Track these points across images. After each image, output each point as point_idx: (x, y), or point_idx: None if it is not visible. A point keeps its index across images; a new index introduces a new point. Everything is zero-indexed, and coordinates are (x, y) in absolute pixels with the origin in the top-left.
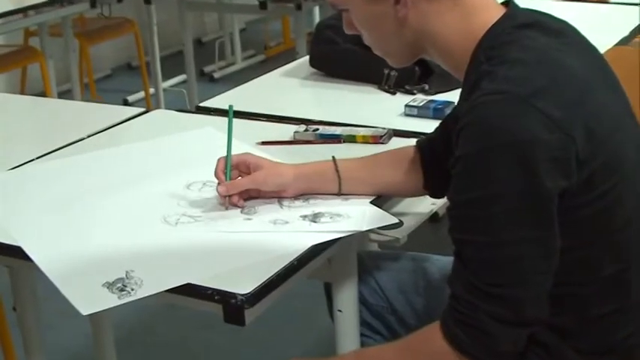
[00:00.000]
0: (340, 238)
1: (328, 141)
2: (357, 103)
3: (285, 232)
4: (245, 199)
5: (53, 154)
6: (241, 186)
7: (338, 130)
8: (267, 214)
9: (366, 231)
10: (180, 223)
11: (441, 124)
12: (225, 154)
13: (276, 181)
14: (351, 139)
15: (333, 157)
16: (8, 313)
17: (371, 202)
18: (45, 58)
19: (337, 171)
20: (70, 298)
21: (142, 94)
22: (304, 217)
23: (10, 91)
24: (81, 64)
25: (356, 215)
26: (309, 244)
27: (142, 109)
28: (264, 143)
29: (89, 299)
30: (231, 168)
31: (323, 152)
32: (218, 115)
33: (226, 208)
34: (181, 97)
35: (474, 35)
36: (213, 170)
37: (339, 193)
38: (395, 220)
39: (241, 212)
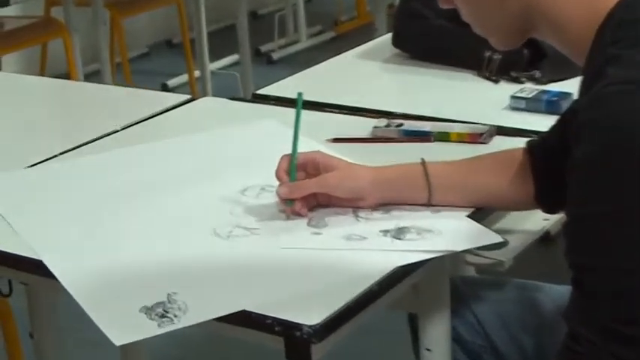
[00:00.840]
0: (430, 259)
1: (415, 139)
2: (451, 92)
3: (362, 250)
4: (312, 209)
5: (79, 149)
6: (307, 188)
7: (427, 126)
8: (339, 227)
9: (462, 252)
10: (234, 237)
11: (558, 121)
12: (289, 152)
13: (351, 186)
14: (444, 137)
15: (422, 159)
16: (23, 341)
17: (468, 216)
18: (69, 32)
19: (427, 176)
20: (101, 325)
21: (184, 78)
22: (385, 232)
23: (27, 71)
24: (112, 40)
25: (449, 231)
26: (391, 266)
27: (186, 97)
28: (335, 140)
29: (124, 327)
30: (297, 167)
31: (408, 153)
32: (279, 104)
33: (288, 217)
34: (233, 82)
35: (600, 7)
36: (274, 171)
37: (429, 204)
38: (498, 239)
39: (308, 225)
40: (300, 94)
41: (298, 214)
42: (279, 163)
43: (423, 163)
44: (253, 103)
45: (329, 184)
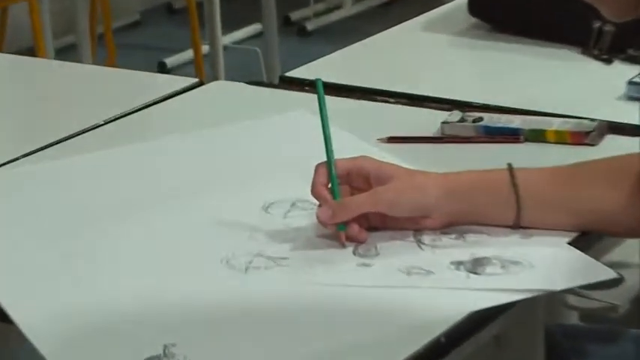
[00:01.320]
0: (518, 301)
1: (499, 138)
2: (548, 76)
3: (427, 288)
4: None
5: (49, 150)
6: (357, 208)
7: (515, 121)
8: (396, 256)
9: (562, 292)
10: (254, 269)
11: None
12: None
13: (413, 201)
14: (538, 135)
15: (509, 164)
16: None
17: (569, 243)
18: None
19: (515, 187)
20: None
21: (189, 55)
22: (458, 264)
23: None
24: (93, 4)
25: (544, 264)
26: (465, 311)
27: (191, 80)
28: (390, 140)
29: None
30: (339, 179)
31: (490, 157)
32: (313, 89)
33: (344, 245)
34: (254, 61)
35: None
36: (310, 184)
37: (517, 226)
38: (611, 275)
39: (354, 253)
40: (318, 81)
41: (356, 241)
42: (316, 174)
43: (511, 169)
44: (280, 89)
45: (384, 199)
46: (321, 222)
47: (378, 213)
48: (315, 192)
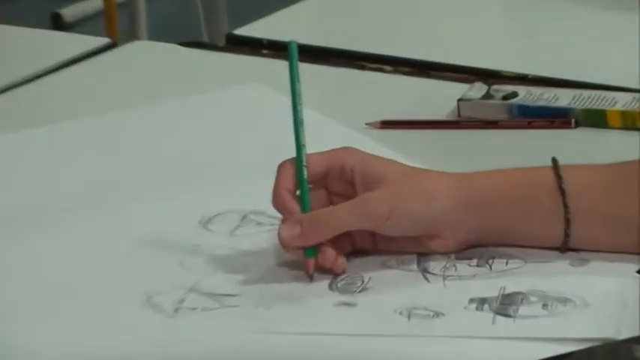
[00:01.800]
0: (566, 355)
1: (539, 122)
2: (608, 34)
3: (435, 337)
4: (346, 254)
5: None
6: (335, 224)
7: (563, 98)
8: (390, 292)
9: (629, 342)
10: (186, 310)
11: None
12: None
13: (416, 214)
14: (596, 118)
15: (555, 160)
16: None
17: (638, 271)
18: None
19: (563, 193)
20: None
21: (95, 4)
22: (480, 302)
23: None
24: None
25: (604, 302)
26: None
27: (100, 41)
28: (385, 125)
29: None
30: (311, 182)
31: (527, 149)
32: (277, 55)
33: (311, 278)
34: (189, 16)
35: None
36: (270, 189)
37: (564, 247)
38: None
39: (332, 288)
40: (292, 44)
41: (330, 272)
42: (279, 175)
43: (556, 168)
44: (227, 53)
45: (373, 212)
46: (283, 244)
47: (366, 231)
48: (277, 201)
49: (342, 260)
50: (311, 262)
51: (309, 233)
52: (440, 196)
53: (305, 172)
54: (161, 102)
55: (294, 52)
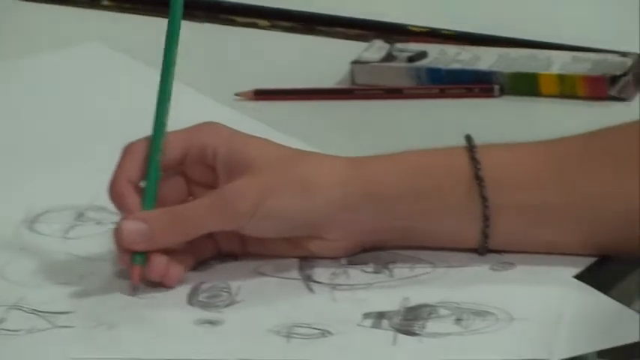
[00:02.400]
0: None
1: (454, 90)
2: None
3: None
4: (203, 264)
5: None
6: (188, 225)
7: (486, 59)
8: (264, 305)
9: None
10: (7, 334)
11: None
12: (146, 130)
13: (293, 211)
14: (525, 84)
15: (469, 138)
16: None
17: (577, 277)
18: None
19: (480, 181)
20: None
21: None
22: (377, 317)
23: None
24: None
25: (533, 316)
26: None
27: None
28: (259, 95)
29: None
30: (166, 168)
31: (438, 124)
32: (119, 5)
33: (132, 291)
34: None
35: None
36: (109, 180)
37: (483, 248)
38: None
39: (191, 302)
40: None
41: (163, 284)
42: (121, 160)
43: (471, 149)
44: (61, 5)
45: (236, 210)
46: (124, 241)
47: (232, 233)
48: (113, 193)
49: (175, 272)
50: (138, 270)
51: (160, 234)
52: (324, 186)
53: (158, 159)
54: None
55: (178, 6)
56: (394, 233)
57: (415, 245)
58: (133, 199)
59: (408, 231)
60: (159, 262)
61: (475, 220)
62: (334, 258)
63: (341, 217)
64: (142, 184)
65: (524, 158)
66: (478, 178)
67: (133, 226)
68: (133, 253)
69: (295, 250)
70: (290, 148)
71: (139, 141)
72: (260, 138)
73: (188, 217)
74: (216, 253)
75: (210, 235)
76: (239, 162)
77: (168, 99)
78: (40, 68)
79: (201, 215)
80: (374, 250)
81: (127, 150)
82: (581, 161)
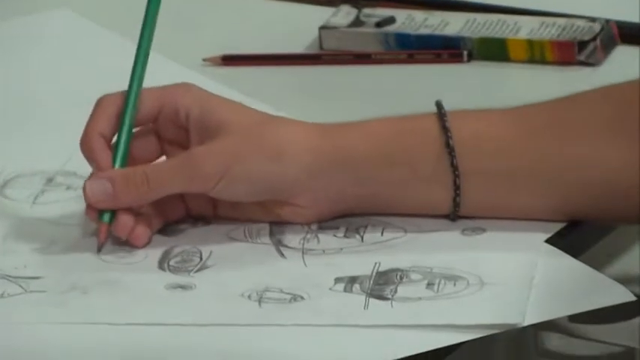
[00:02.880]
0: (455, 347)
1: (422, 55)
2: None
3: (292, 325)
4: (170, 226)
5: None
6: (156, 185)
7: (453, 24)
8: (237, 270)
9: (534, 328)
10: None
11: None
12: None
13: (261, 176)
14: (493, 49)
15: (439, 105)
16: None
17: (549, 241)
18: None
19: (449, 148)
20: None
21: None
22: (349, 281)
23: None
24: None
25: (503, 280)
26: None
27: None
28: (226, 61)
29: None
30: (138, 124)
31: (405, 90)
32: None
33: (99, 250)
34: None
35: None
36: (79, 137)
37: (454, 213)
38: (626, 297)
39: (162, 267)
40: None
41: (131, 243)
42: (94, 113)
43: (442, 116)
44: None
45: (204, 173)
46: (89, 200)
47: (202, 196)
48: (84, 146)
49: (142, 231)
50: (105, 227)
51: (122, 194)
52: (294, 152)
53: (132, 114)
54: None
55: None
56: (364, 200)
57: (385, 211)
58: (103, 155)
59: (378, 198)
60: (125, 220)
61: (446, 188)
62: (303, 223)
63: (310, 184)
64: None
65: (496, 125)
66: (449, 147)
67: (96, 186)
68: (100, 211)
69: (266, 215)
70: (262, 113)
71: (111, 95)
72: (233, 102)
73: (154, 177)
74: (185, 215)
75: (181, 198)
76: (211, 124)
77: (147, 54)
78: (10, 33)
79: (167, 176)
80: (343, 216)
81: (100, 103)
82: (555, 129)
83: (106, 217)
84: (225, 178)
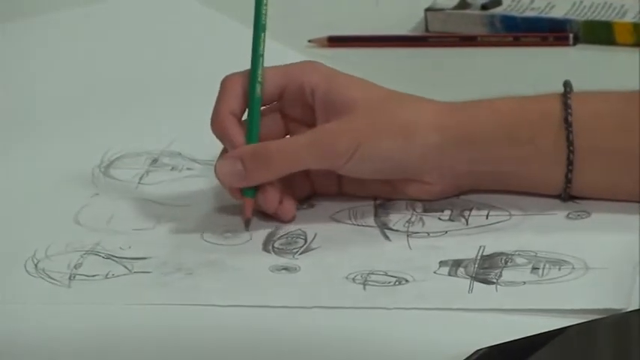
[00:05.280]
0: (561, 332)
1: (527, 38)
2: None
3: (401, 308)
4: (299, 198)
5: None
6: (288, 160)
7: (559, 6)
8: (342, 253)
9: (638, 312)
10: (84, 279)
11: None
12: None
13: (390, 153)
14: (600, 32)
15: (566, 82)
16: None
17: None
18: None
19: (568, 124)
20: None
21: None
22: (454, 264)
23: None
24: None
25: (610, 265)
26: (467, 350)
27: None
28: (332, 42)
29: None
30: (264, 104)
31: (513, 71)
32: None
33: (247, 224)
34: None
35: None
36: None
37: (566, 194)
38: None
39: (267, 249)
40: None
41: (276, 218)
42: (221, 93)
43: (565, 93)
44: None
45: (332, 151)
46: (221, 181)
47: (327, 172)
48: (216, 126)
49: (289, 205)
50: (250, 203)
51: (252, 171)
52: (422, 130)
53: (259, 90)
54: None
55: None
56: (486, 177)
57: (503, 189)
58: (237, 132)
59: (499, 175)
60: (272, 194)
61: (560, 164)
62: (425, 199)
63: (438, 161)
64: (245, 117)
65: (615, 105)
66: (567, 122)
67: (226, 166)
68: (244, 188)
69: (392, 193)
70: (389, 90)
71: (235, 74)
72: (359, 79)
73: (284, 154)
74: (310, 192)
75: (307, 174)
76: (338, 102)
77: (264, 29)
78: (114, 14)
79: (299, 153)
80: (459, 195)
81: (226, 83)
82: None
83: (250, 192)
84: (356, 156)
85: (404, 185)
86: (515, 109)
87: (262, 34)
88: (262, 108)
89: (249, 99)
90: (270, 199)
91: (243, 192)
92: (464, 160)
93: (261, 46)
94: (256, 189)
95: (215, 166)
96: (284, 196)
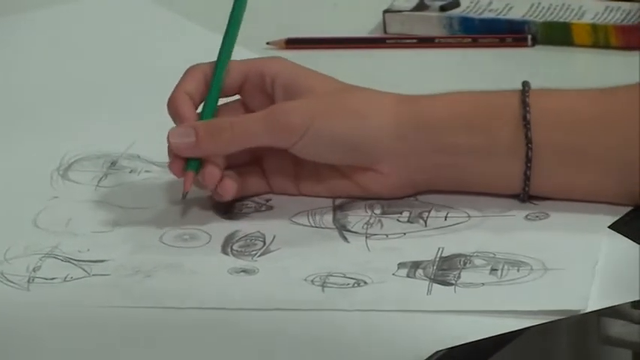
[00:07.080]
0: (518, 334)
1: (485, 39)
2: None
3: (354, 311)
4: (252, 196)
5: None
6: (240, 133)
7: (518, 8)
8: (300, 255)
9: (597, 316)
10: (42, 282)
11: None
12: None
13: (343, 131)
14: (558, 34)
15: (526, 83)
16: None
17: (613, 227)
18: None
19: (526, 122)
20: None
21: None
22: (412, 266)
23: None
24: None
25: (568, 266)
26: (425, 352)
27: None
28: (290, 44)
29: None
30: (228, 90)
31: (471, 72)
32: None
33: (184, 195)
34: None
35: None
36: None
37: (524, 194)
38: None
39: (226, 251)
40: None
41: (216, 195)
42: (183, 77)
43: (524, 91)
44: None
45: (286, 124)
46: (171, 148)
47: (285, 168)
48: (171, 103)
49: (229, 182)
50: (190, 176)
51: (204, 141)
52: (377, 113)
53: (222, 75)
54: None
55: None
56: (442, 172)
57: (461, 189)
58: (189, 111)
59: (456, 169)
60: (212, 169)
61: (518, 161)
62: (388, 198)
63: (392, 147)
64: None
65: (573, 102)
66: (525, 120)
67: (179, 133)
68: (187, 160)
69: (349, 188)
70: (346, 83)
71: (200, 64)
72: (320, 73)
73: (238, 126)
74: (268, 190)
75: (262, 173)
76: (297, 90)
77: (239, 23)
78: (74, 17)
79: (252, 126)
80: (408, 198)
81: (189, 69)
82: (632, 111)
83: (193, 165)
84: (310, 133)
85: (359, 176)
86: (472, 100)
87: (237, 28)
88: (225, 103)
89: (210, 82)
90: (211, 173)
91: (186, 165)
92: (419, 149)
93: (235, 35)
94: (199, 165)
95: (168, 134)
96: (225, 176)
